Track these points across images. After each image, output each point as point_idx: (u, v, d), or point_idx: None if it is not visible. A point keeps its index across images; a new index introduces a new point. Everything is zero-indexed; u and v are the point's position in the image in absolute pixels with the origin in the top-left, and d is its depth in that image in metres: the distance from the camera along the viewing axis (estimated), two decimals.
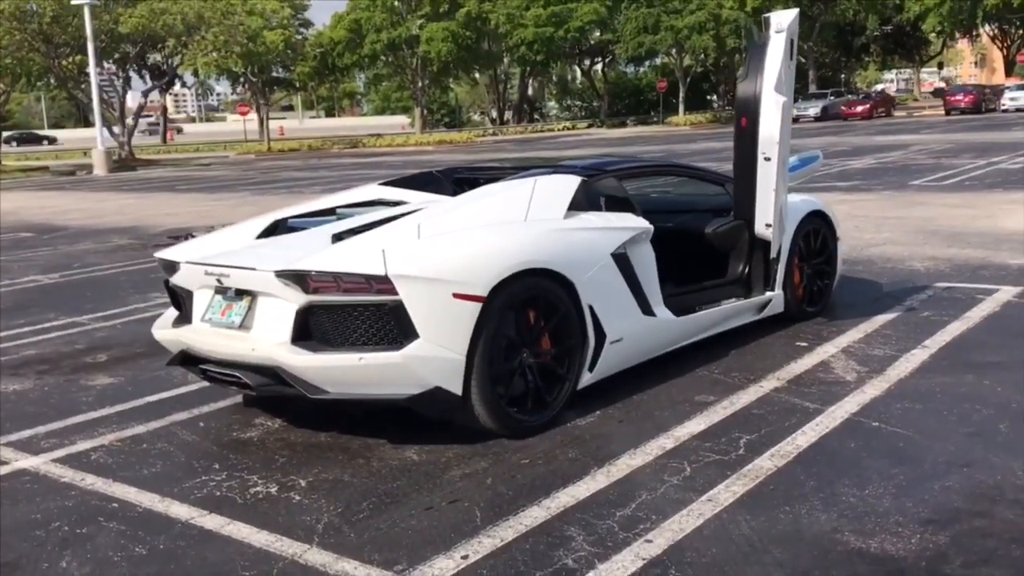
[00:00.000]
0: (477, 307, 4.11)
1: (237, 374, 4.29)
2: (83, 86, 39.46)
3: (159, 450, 4.48)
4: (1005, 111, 44.12)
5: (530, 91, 71.20)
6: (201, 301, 4.60)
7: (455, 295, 4.07)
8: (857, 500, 3.50)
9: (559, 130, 56.64)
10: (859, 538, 3.21)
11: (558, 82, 73.46)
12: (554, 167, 5.30)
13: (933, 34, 58.53)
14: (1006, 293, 6.75)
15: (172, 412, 5.04)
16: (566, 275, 4.46)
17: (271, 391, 4.31)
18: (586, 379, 4.70)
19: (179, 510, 3.75)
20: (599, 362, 4.72)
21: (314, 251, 4.28)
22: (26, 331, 7.37)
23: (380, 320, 4.03)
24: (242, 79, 53.24)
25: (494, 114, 68.01)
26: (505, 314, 4.24)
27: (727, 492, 3.64)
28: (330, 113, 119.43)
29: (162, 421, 4.91)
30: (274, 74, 55.08)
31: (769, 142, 5.38)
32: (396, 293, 3.97)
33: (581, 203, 4.94)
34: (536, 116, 70.10)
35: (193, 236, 12.51)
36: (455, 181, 5.71)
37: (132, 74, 46.34)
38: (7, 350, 6.75)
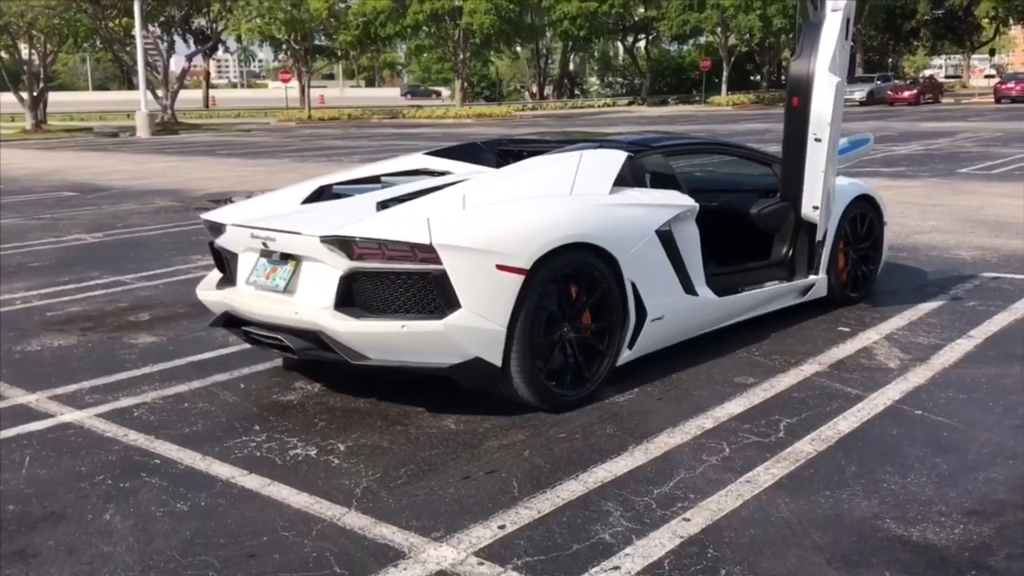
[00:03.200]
0: (520, 279, 4.10)
1: (279, 337, 4.32)
2: (128, 48, 39.75)
3: (200, 409, 4.53)
4: None
5: (571, 67, 70.73)
6: (246, 264, 4.63)
7: (498, 267, 4.06)
8: (899, 488, 3.47)
9: (599, 107, 56.24)
10: (901, 525, 3.17)
11: (600, 58, 72.85)
12: (600, 142, 5.25)
13: (986, 19, 57.21)
14: None
15: (214, 373, 5.09)
16: (609, 250, 4.43)
17: (312, 355, 4.34)
18: (625, 356, 4.68)
19: (220, 469, 3.79)
20: (639, 339, 4.70)
21: (359, 218, 4.28)
22: (71, 288, 7.48)
23: (423, 289, 4.03)
24: (284, 46, 53.32)
25: (534, 88, 67.68)
26: (547, 287, 4.23)
27: (766, 474, 3.61)
28: (370, 83, 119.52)
29: (203, 381, 4.96)
30: (316, 42, 55.13)
31: (820, 122, 5.30)
32: (440, 263, 3.97)
33: (627, 179, 4.90)
34: (576, 92, 69.64)
35: (232, 201, 12.60)
36: (499, 153, 5.69)
37: (176, 38, 46.66)
38: (53, 306, 6.86)
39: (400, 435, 4.12)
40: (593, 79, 77.74)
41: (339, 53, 60.10)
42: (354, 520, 3.31)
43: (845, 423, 4.13)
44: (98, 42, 43.27)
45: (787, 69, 5.95)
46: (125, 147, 28.33)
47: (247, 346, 5.46)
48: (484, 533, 3.19)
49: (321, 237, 4.11)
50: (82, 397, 4.76)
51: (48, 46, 38.00)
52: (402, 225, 4.10)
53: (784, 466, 3.68)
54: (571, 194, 4.61)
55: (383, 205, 4.53)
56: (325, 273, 4.20)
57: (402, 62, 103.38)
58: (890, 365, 4.93)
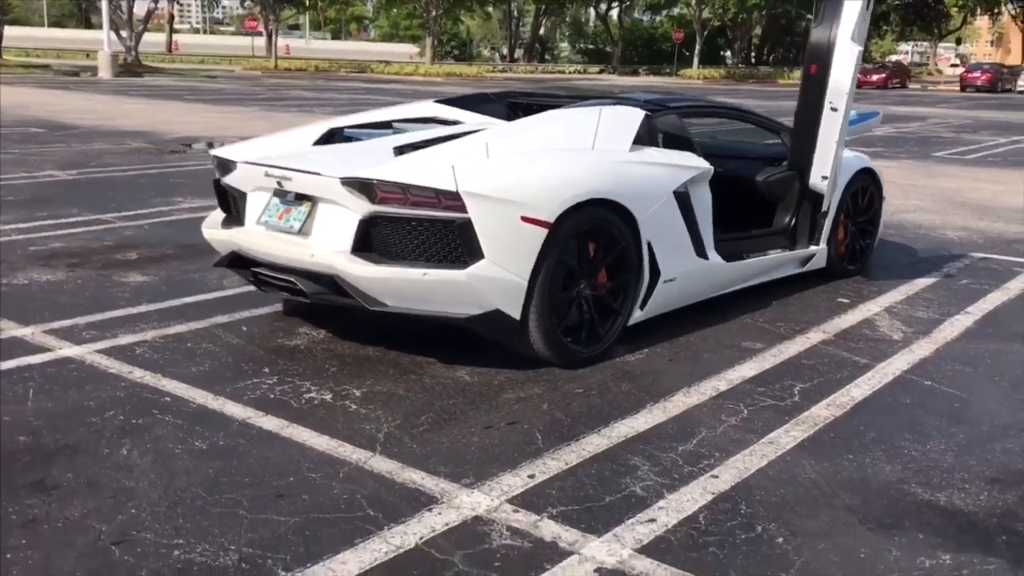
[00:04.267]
0: (543, 232, 4.05)
1: (292, 279, 4.22)
2: None
3: (204, 350, 4.44)
4: (1022, 92, 43.83)
5: (542, 31, 70.16)
6: (256, 203, 4.51)
7: (523, 218, 4.00)
8: (919, 455, 3.50)
9: (570, 73, 55.98)
10: (927, 491, 3.21)
11: (572, 24, 72.39)
12: (616, 99, 5.19)
13: (955, 8, 57.78)
14: None
15: (212, 314, 4.98)
16: (630, 209, 4.40)
17: (325, 299, 4.25)
18: (636, 316, 4.66)
19: (234, 409, 3.71)
20: (651, 300, 4.68)
21: (380, 161, 4.18)
22: (50, 224, 7.27)
23: (446, 237, 3.96)
24: None
25: (504, 51, 67.12)
26: (568, 242, 4.18)
27: (787, 436, 3.63)
28: (336, 36, 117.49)
29: (203, 322, 4.85)
30: None
31: (838, 92, 5.28)
32: (465, 211, 3.90)
33: (643, 138, 4.85)
34: (547, 56, 69.19)
35: (212, 146, 12.26)
36: (509, 105, 5.60)
37: None
38: (34, 241, 6.66)
39: (415, 384, 4.07)
40: (564, 44, 77.27)
41: (307, 3, 59.00)
42: (380, 464, 3.27)
43: (858, 390, 4.16)
44: None
45: (806, 36, 5.93)
46: (87, 87, 27.59)
47: (243, 289, 5.38)
48: (514, 481, 3.17)
49: (342, 179, 4.02)
50: (79, 332, 4.63)
51: None
52: (427, 170, 4.01)
53: (804, 429, 3.70)
54: (593, 149, 4.55)
55: (400, 150, 4.44)
56: (343, 216, 4.11)
57: (370, 16, 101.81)
58: (894, 337, 4.97)
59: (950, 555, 2.79)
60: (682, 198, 4.75)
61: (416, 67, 50.20)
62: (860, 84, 44.68)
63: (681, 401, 3.96)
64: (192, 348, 4.46)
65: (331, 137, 4.94)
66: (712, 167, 4.99)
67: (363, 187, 3.97)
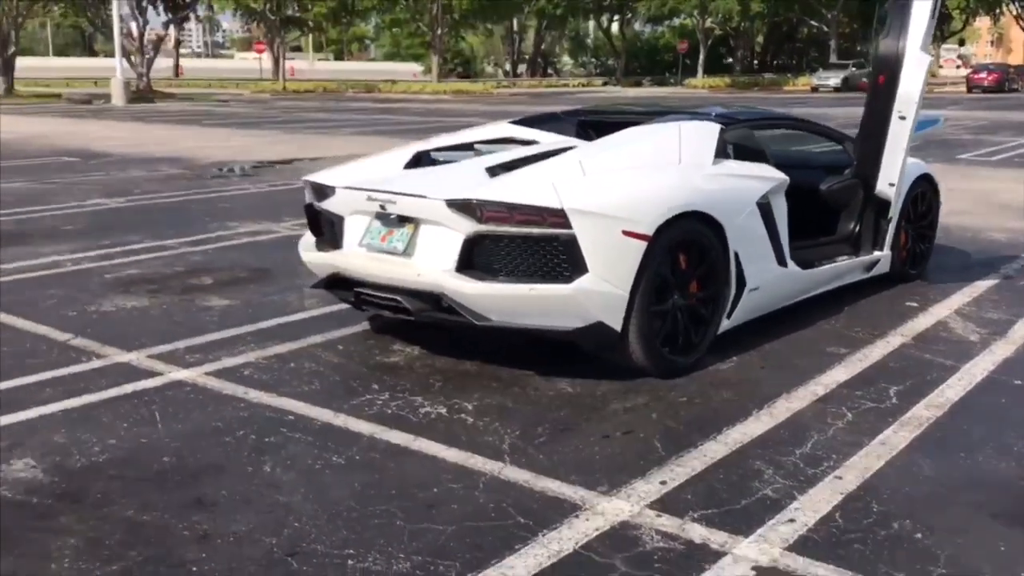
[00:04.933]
0: (643, 246, 4.18)
1: (397, 298, 4.36)
2: (99, 11, 38.92)
3: (309, 369, 4.56)
4: None
5: (544, 46, 70.57)
6: (356, 226, 4.65)
7: (624, 232, 4.13)
8: None
9: (575, 86, 56.28)
10: None
11: (573, 38, 72.80)
12: (691, 114, 5.33)
13: (956, 10, 57.98)
14: None
15: (305, 335, 5.11)
16: (719, 220, 4.53)
17: (429, 317, 4.38)
18: (724, 325, 4.78)
19: (359, 425, 3.84)
20: (738, 308, 4.81)
21: (478, 183, 4.33)
22: (117, 251, 7.41)
23: (551, 253, 4.09)
24: (258, 15, 52.60)
25: (508, 66, 67.51)
26: (664, 255, 4.31)
27: (896, 437, 3.75)
28: (339, 56, 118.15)
29: (299, 343, 4.98)
30: (288, 12, 54.43)
31: (907, 101, 5.43)
32: (570, 227, 4.03)
33: (721, 150, 4.99)
34: (550, 71, 69.56)
35: (244, 169, 12.45)
36: (579, 124, 5.75)
37: (147, 5, 45.73)
38: (107, 268, 6.81)
39: (520, 397, 4.19)
40: (566, 58, 77.65)
41: (311, 24, 59.41)
42: (515, 474, 3.39)
43: (951, 391, 4.27)
44: (66, 4, 42.30)
45: (874, 47, 6.06)
46: (103, 114, 27.85)
47: (327, 309, 5.54)
48: (649, 488, 3.29)
49: (447, 201, 4.15)
50: (182, 356, 4.77)
51: (19, 6, 37.11)
52: (530, 189, 4.15)
53: (911, 430, 3.82)
54: (680, 164, 4.69)
55: (492, 171, 4.58)
56: (447, 236, 4.24)
57: (371, 36, 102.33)
58: (971, 338, 5.09)
59: None
60: (764, 208, 4.89)
61: (423, 86, 50.54)
62: (862, 88, 45.04)
63: (785, 407, 4.08)
64: (297, 368, 4.59)
65: (419, 161, 5.08)
66: (787, 178, 5.12)
67: (469, 208, 4.11)
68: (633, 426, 3.87)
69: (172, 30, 55.58)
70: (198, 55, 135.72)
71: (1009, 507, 3.16)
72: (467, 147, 5.33)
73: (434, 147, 5.29)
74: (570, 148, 4.86)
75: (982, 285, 6.28)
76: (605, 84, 58.06)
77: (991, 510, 3.14)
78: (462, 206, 4.13)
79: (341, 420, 3.90)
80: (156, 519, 3.05)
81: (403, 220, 4.43)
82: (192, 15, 55.90)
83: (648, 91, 49.92)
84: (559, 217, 4.04)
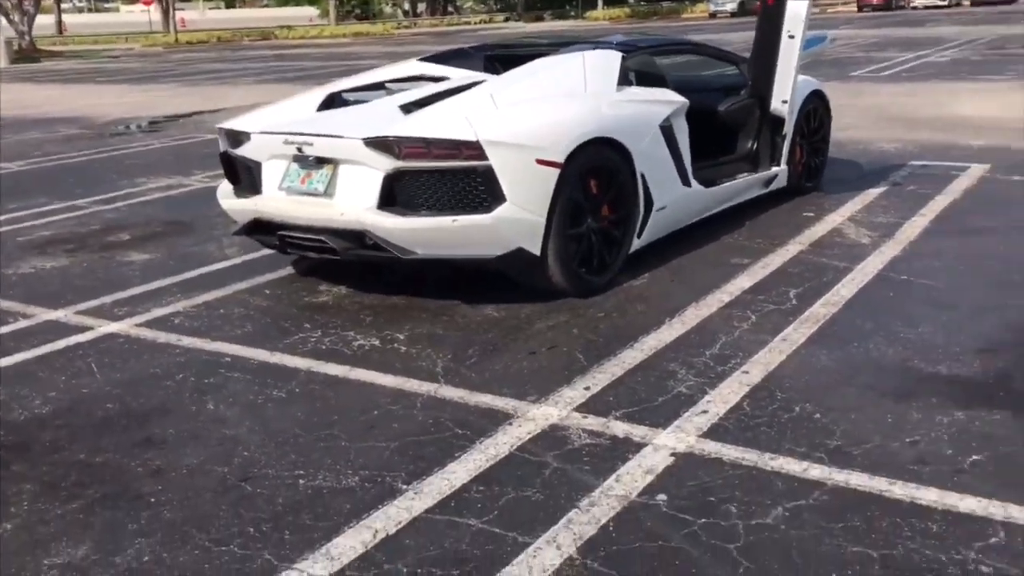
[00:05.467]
0: (556, 172, 4.38)
1: (321, 238, 4.48)
2: None
3: (239, 314, 4.68)
4: (915, 8, 45.38)
5: None
6: (274, 171, 4.73)
7: (538, 161, 4.33)
8: (915, 337, 3.98)
9: (476, 23, 55.73)
10: (929, 365, 3.68)
11: None
12: (593, 43, 5.52)
13: None
14: (978, 169, 7.33)
15: (230, 282, 5.20)
16: (626, 145, 4.75)
17: (355, 255, 4.52)
18: (635, 244, 5.04)
19: (295, 361, 4.00)
20: (647, 228, 5.07)
21: (395, 120, 4.46)
22: (26, 214, 7.31)
23: (470, 184, 4.26)
24: None
25: (406, 6, 66.34)
26: (576, 180, 4.53)
27: (796, 333, 4.07)
28: (230, 4, 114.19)
29: (225, 290, 5.08)
30: None
31: (795, 20, 5.71)
32: (486, 158, 4.20)
33: (623, 78, 5.19)
34: (450, 9, 68.59)
35: (142, 126, 12.26)
36: (487, 58, 5.89)
37: None
38: (20, 231, 6.73)
39: (449, 324, 4.40)
40: None
41: None
42: (449, 392, 3.60)
43: (845, 290, 4.63)
44: None
45: None
46: None
47: (248, 256, 5.64)
48: (574, 394, 3.54)
49: (365, 139, 4.28)
50: (110, 310, 4.82)
51: None
52: (444, 124, 4.30)
53: (808, 326, 4.15)
54: (586, 92, 4.89)
55: (407, 109, 4.71)
56: (366, 174, 4.37)
57: None
58: (863, 241, 5.47)
59: (962, 412, 3.27)
60: (666, 131, 5.13)
61: (321, 29, 49.46)
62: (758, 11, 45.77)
63: (694, 314, 4.38)
64: (227, 313, 4.69)
65: (332, 102, 5.17)
66: (687, 100, 5.36)
67: (386, 145, 4.24)
68: (556, 342, 4.11)
69: None
70: (80, 10, 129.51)
71: (895, 385, 3.51)
72: (378, 86, 5.43)
73: (346, 88, 5.37)
74: (480, 82, 5.01)
75: (873, 193, 6.69)
76: (507, 20, 57.64)
77: (880, 390, 3.48)
78: (380, 144, 4.26)
79: (277, 358, 4.05)
80: (109, 459, 3.19)
81: (321, 161, 4.53)
82: None
83: (550, 25, 49.81)
84: (475, 149, 4.20)
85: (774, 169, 6.30)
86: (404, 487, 2.91)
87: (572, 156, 4.43)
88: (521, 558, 2.52)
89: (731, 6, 46.84)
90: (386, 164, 4.28)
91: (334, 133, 4.44)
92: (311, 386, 3.73)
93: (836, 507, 2.70)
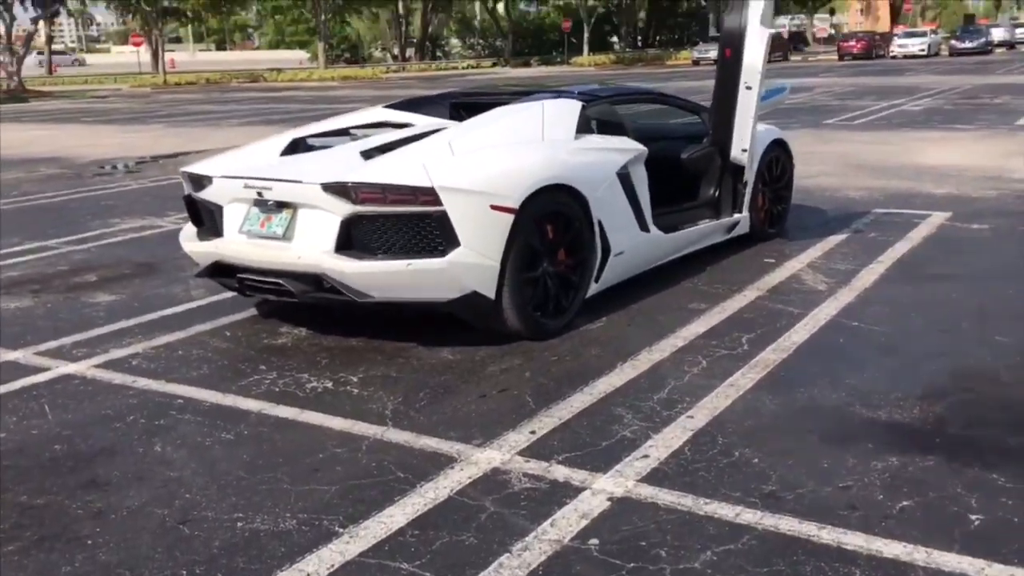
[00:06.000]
0: (511, 218, 4.46)
1: (279, 281, 4.53)
2: None
3: (197, 356, 4.71)
4: (894, 57, 46.21)
5: (431, 28, 70.30)
6: (235, 214, 4.79)
7: (492, 206, 4.40)
8: (859, 382, 4.04)
9: (464, 68, 56.37)
10: (869, 410, 3.74)
11: (460, 19, 72.73)
12: (554, 92, 5.63)
13: None
14: (938, 217, 7.46)
15: (192, 324, 5.24)
16: (582, 191, 4.84)
17: (312, 297, 4.57)
18: (592, 289, 5.11)
19: (247, 403, 4.02)
20: (604, 273, 5.14)
21: (351, 166, 4.53)
22: None
23: (424, 229, 4.33)
24: (133, 7, 51.00)
25: (396, 51, 67.07)
26: (531, 226, 4.60)
27: (744, 379, 4.13)
28: (220, 46, 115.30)
29: (186, 332, 5.11)
30: (164, 3, 52.92)
31: (752, 72, 5.84)
32: (441, 204, 4.28)
33: (583, 126, 5.30)
34: (439, 54, 69.43)
35: (127, 166, 12.33)
36: (451, 106, 5.99)
37: (12, 1, 43.90)
38: None
39: (404, 366, 4.44)
40: (454, 40, 77.55)
41: (190, 15, 57.91)
42: (396, 436, 3.64)
43: (797, 335, 4.70)
44: None
45: (719, 23, 6.42)
46: None
47: (213, 298, 5.67)
48: (519, 438, 3.58)
49: (323, 185, 4.35)
50: (69, 351, 4.85)
51: None
52: (401, 171, 4.38)
53: (758, 371, 4.21)
54: (543, 140, 4.98)
55: (367, 155, 4.79)
56: (324, 219, 4.44)
57: (253, 24, 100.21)
58: (819, 288, 5.55)
59: (896, 457, 3.32)
60: (624, 178, 5.22)
61: (310, 73, 49.92)
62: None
63: (647, 358, 4.43)
64: (185, 355, 4.72)
65: (296, 147, 5.25)
66: (646, 148, 5.47)
67: (344, 190, 4.31)
68: (508, 385, 4.16)
69: (42, 26, 53.34)
70: (71, 51, 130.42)
71: (834, 430, 3.57)
72: (343, 132, 5.52)
73: (310, 133, 5.46)
74: (441, 129, 5.10)
75: (834, 240, 6.79)
76: (494, 65, 58.34)
77: (819, 434, 3.53)
78: (337, 189, 4.33)
79: (230, 400, 4.08)
80: (50, 501, 3.20)
81: (281, 205, 4.60)
82: (63, 9, 53.74)
83: (536, 71, 50.45)
84: (430, 195, 4.28)
85: (736, 216, 6.40)
86: (340, 530, 2.94)
87: (527, 202, 4.51)
88: None
89: (713, 54, 47.48)
90: (343, 209, 4.35)
91: (293, 178, 4.52)
92: (260, 428, 3.76)
93: (764, 552, 2.74)
